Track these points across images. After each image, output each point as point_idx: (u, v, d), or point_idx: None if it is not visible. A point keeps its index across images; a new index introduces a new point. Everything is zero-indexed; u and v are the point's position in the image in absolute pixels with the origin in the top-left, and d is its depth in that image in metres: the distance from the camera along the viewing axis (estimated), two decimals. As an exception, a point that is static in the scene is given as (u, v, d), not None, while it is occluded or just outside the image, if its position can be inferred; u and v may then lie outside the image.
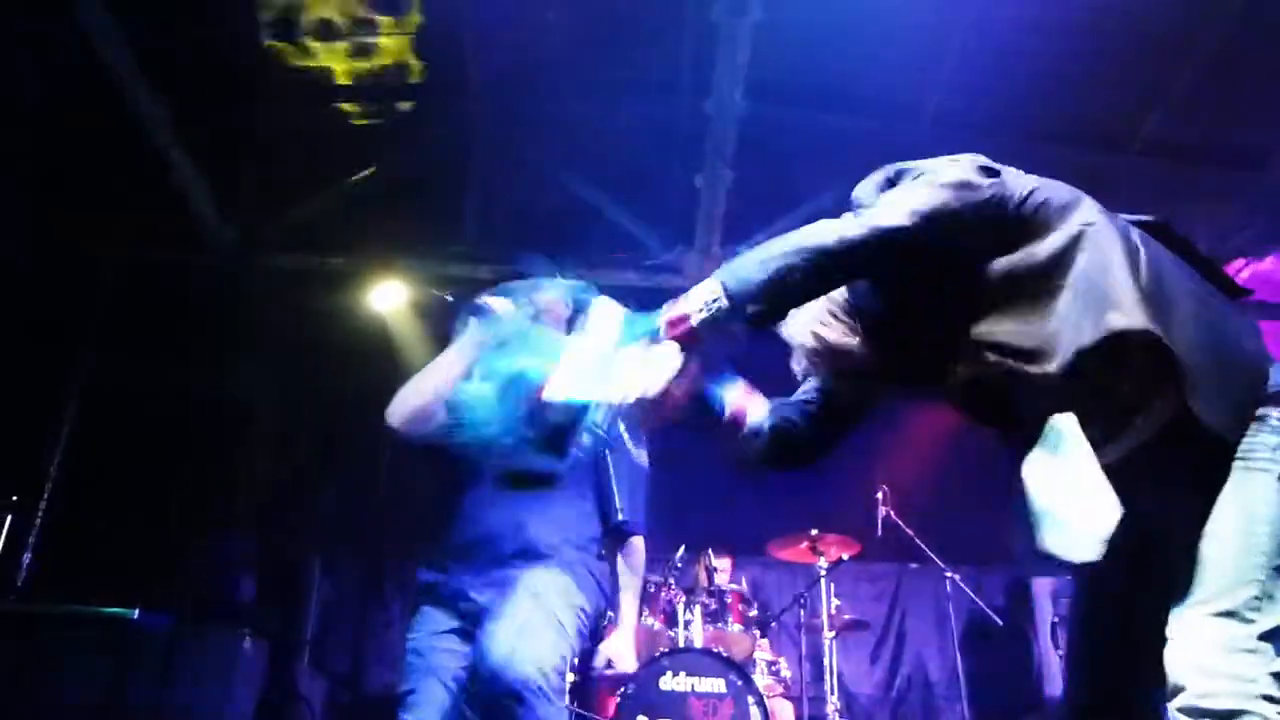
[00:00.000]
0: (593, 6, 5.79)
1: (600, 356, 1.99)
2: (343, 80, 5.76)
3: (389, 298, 6.49)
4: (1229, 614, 1.72)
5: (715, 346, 1.97)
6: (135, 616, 4.45)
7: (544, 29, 5.94)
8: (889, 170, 2.06)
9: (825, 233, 1.87)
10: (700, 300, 1.86)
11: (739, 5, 4.73)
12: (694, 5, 5.31)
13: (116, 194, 5.79)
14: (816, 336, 2.09)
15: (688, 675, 4.95)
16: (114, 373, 6.06)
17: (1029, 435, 1.86)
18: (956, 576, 5.94)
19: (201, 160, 5.71)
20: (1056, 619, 6.40)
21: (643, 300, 7.03)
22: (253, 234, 6.28)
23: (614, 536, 3.27)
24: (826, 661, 5.71)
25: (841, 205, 6.72)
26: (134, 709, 4.37)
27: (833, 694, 5.65)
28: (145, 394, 6.14)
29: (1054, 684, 6.27)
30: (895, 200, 1.91)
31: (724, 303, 1.83)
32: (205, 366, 6.08)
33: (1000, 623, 6.28)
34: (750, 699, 4.97)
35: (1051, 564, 1.87)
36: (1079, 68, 6.05)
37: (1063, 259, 1.86)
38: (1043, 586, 6.61)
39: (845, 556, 5.76)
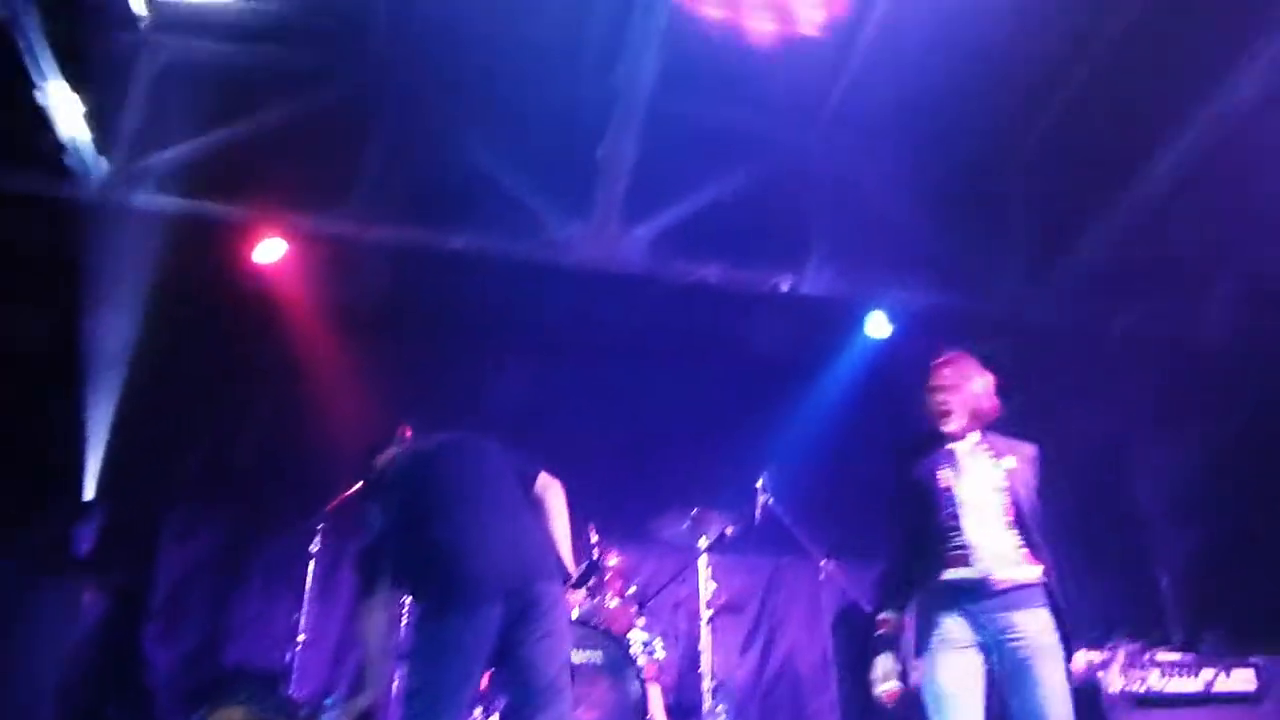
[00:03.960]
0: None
1: None
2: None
3: (270, 252, 6.13)
4: None
5: None
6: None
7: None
8: None
9: None
10: None
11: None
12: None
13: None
14: None
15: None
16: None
17: None
18: (831, 565, 5.92)
19: (78, 80, 5.24)
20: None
21: (533, 275, 6.82)
22: (130, 171, 5.80)
23: None
24: (702, 646, 5.59)
25: (737, 198, 6.72)
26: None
27: (706, 679, 5.53)
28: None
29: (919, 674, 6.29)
30: None
31: None
32: (64, 309, 5.57)
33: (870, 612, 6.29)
34: (630, 671, 4.82)
35: None
36: (976, 81, 6.23)
37: None
38: (912, 580, 6.66)
39: (728, 531, 5.69)
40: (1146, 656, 4.87)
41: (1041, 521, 3.66)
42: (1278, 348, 6.49)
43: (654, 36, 5.20)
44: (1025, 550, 3.56)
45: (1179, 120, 6.03)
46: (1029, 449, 3.83)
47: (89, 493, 5.78)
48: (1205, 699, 4.74)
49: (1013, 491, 3.65)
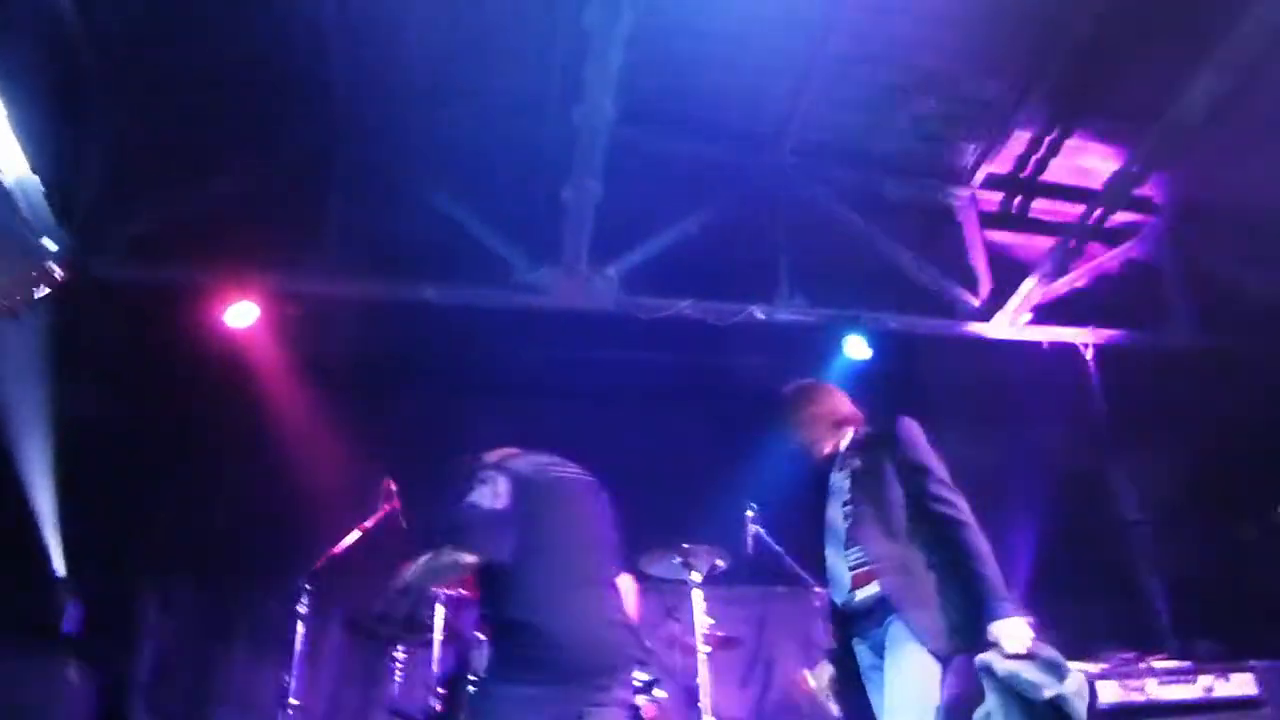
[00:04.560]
0: (462, 23, 5.67)
1: None
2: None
3: (241, 316, 6.08)
4: None
5: None
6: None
7: (411, 44, 5.79)
8: None
9: None
10: None
11: (611, 10, 4.69)
12: (566, 16, 5.21)
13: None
14: None
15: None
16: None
17: None
18: (824, 592, 5.85)
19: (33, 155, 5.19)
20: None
21: (506, 320, 6.78)
22: (91, 242, 5.75)
23: None
24: (700, 681, 5.50)
25: (706, 230, 6.73)
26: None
27: (706, 715, 5.44)
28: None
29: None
30: None
31: None
32: (36, 382, 5.48)
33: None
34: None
35: None
36: (933, 106, 6.32)
37: None
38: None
39: (719, 563, 5.63)
40: (1142, 665, 4.84)
41: (906, 506, 3.45)
42: (1250, 357, 6.56)
43: (610, 77, 5.20)
44: (866, 565, 3.46)
45: (1137, 133, 6.11)
46: (884, 431, 3.67)
47: (59, 568, 5.66)
48: (1206, 706, 4.69)
49: (855, 501, 3.56)
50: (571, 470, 3.95)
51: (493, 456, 3.88)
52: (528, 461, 3.83)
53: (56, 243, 5.61)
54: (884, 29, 5.91)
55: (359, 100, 6.17)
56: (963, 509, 3.39)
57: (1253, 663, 4.80)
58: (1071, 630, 6.39)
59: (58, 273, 3.23)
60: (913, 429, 3.62)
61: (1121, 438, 7.48)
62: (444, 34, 5.82)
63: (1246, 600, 6.12)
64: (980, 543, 3.31)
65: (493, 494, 3.58)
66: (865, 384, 7.37)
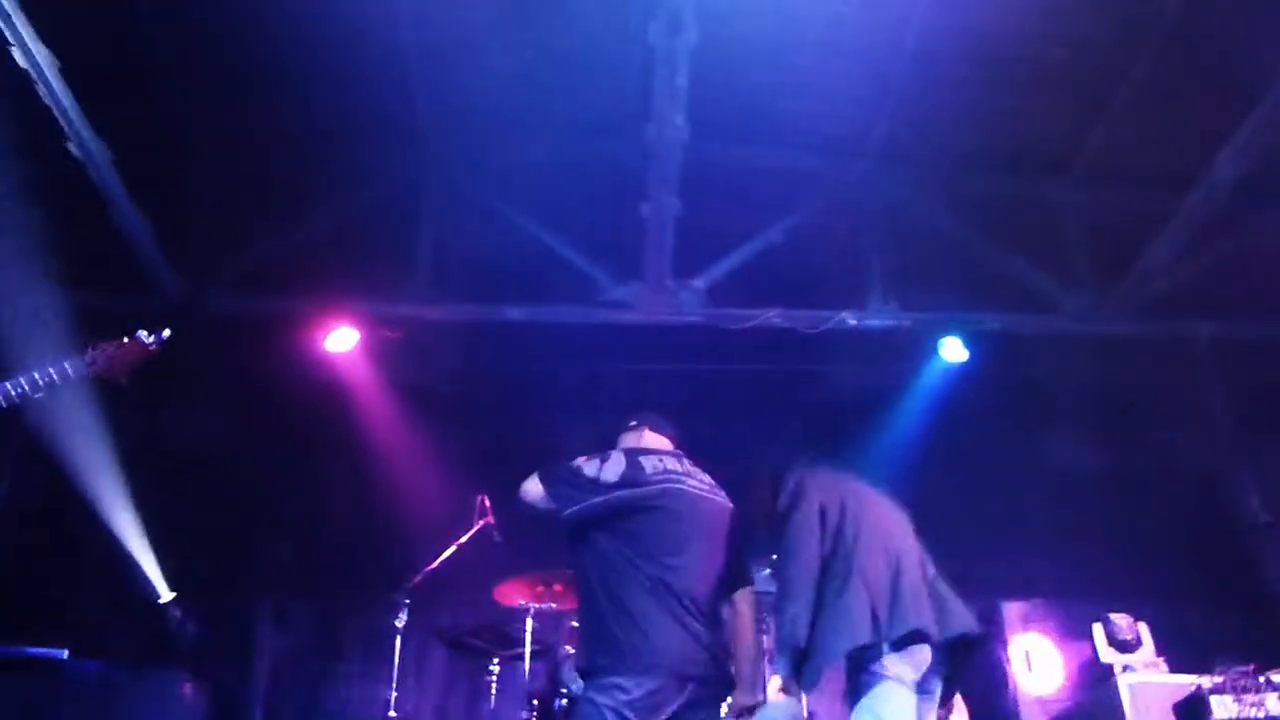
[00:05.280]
0: (539, 50, 5.79)
1: None
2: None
3: (341, 342, 6.33)
4: None
5: None
6: (64, 658, 4.18)
7: (491, 74, 5.92)
8: None
9: None
10: None
11: (674, 26, 4.74)
12: (638, 36, 5.24)
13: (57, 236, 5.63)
14: None
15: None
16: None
17: None
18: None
19: (148, 204, 5.53)
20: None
21: (595, 337, 6.86)
22: (201, 279, 6.09)
23: None
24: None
25: (791, 239, 6.65)
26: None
27: (802, 729, 5.35)
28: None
29: (1029, 704, 5.99)
30: None
31: None
32: (152, 413, 5.83)
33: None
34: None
35: None
36: (1021, 95, 6.07)
37: None
38: (1013, 611, 6.38)
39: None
40: (1262, 679, 4.54)
41: None
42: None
43: (678, 93, 5.22)
44: None
45: (1241, 111, 5.74)
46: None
47: (163, 591, 5.98)
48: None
49: None
50: (693, 483, 3.87)
51: (633, 441, 4.02)
52: (656, 461, 3.82)
53: (165, 282, 5.98)
54: (961, 23, 5.74)
55: (444, 130, 6.36)
56: (796, 556, 3.49)
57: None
58: (1193, 640, 6.06)
59: (151, 346, 3.43)
60: (775, 478, 3.84)
61: (1246, 437, 7.04)
62: (522, 60, 5.95)
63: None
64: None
65: (600, 466, 3.66)
66: (970, 389, 7.17)
